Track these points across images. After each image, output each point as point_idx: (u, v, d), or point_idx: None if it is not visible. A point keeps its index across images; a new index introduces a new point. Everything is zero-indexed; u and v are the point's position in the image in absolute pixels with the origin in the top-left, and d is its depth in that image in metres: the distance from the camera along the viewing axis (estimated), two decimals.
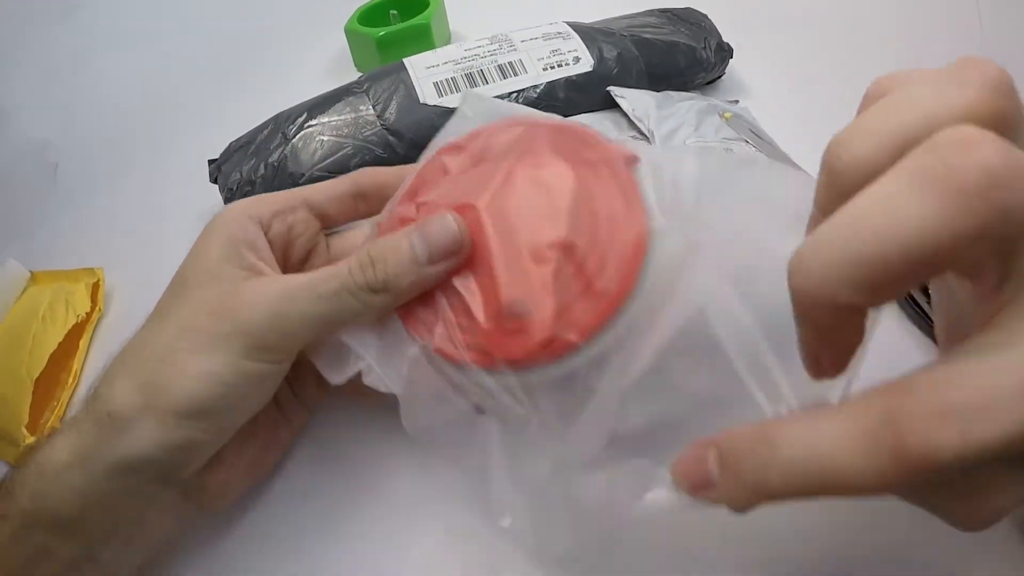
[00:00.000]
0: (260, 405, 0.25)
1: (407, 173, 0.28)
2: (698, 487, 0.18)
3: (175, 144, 0.50)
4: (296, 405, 0.30)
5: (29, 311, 0.37)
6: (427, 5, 0.51)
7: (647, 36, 0.44)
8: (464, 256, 0.24)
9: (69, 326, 0.36)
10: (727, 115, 0.40)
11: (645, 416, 0.22)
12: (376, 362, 0.25)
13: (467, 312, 0.24)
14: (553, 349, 0.22)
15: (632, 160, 0.24)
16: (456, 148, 0.26)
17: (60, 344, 0.35)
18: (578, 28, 0.44)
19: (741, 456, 0.16)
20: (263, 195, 0.29)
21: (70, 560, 0.23)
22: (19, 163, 0.52)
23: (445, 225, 0.24)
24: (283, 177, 0.38)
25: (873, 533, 0.27)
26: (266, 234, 0.27)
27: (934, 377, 0.14)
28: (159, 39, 0.63)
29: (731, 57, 0.46)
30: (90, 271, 0.40)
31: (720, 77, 0.47)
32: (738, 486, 0.16)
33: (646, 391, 0.22)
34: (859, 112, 0.18)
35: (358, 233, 0.31)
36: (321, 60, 0.56)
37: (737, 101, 0.43)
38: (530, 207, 0.24)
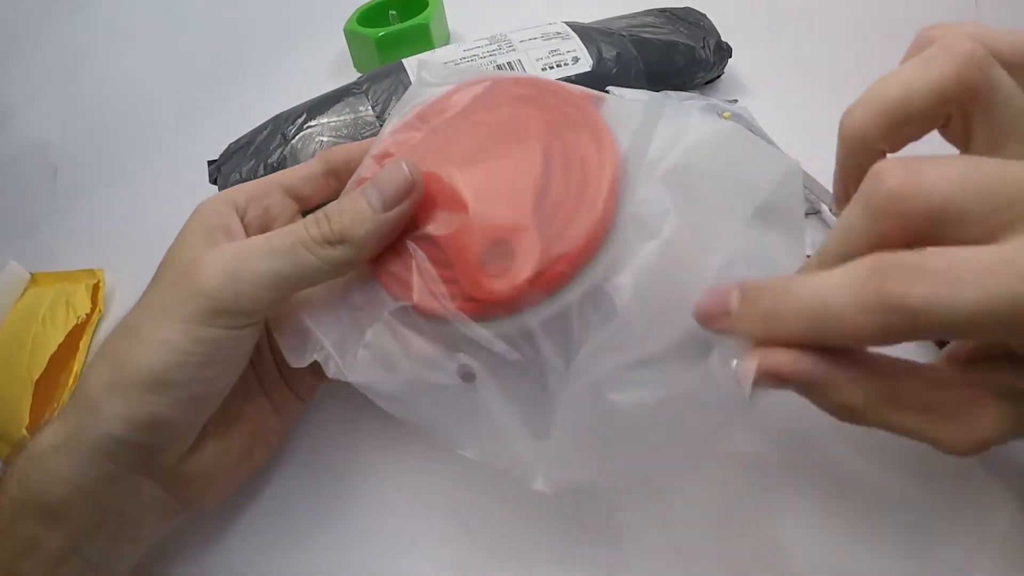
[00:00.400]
0: (228, 376, 0.25)
1: (367, 146, 0.28)
2: (716, 317, 0.19)
3: (175, 145, 0.50)
4: (287, 394, 0.29)
5: (29, 312, 0.38)
6: (426, 5, 0.51)
7: (646, 36, 0.44)
8: (418, 196, 0.24)
9: (69, 327, 0.36)
10: (726, 115, 0.40)
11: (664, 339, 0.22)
12: (335, 349, 0.25)
13: (447, 262, 0.23)
14: (544, 283, 0.22)
15: (597, 100, 0.25)
16: (421, 118, 0.27)
17: (60, 345, 0.36)
18: (577, 28, 0.44)
19: (760, 291, 0.19)
20: (240, 184, 0.29)
21: (58, 553, 0.23)
22: (19, 165, 0.52)
23: (395, 169, 0.24)
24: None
25: (873, 534, 0.27)
26: (243, 219, 0.27)
27: (920, 250, 0.17)
28: (159, 40, 0.63)
29: (730, 57, 0.46)
30: (90, 272, 0.40)
31: (719, 77, 0.47)
32: (753, 315, 0.19)
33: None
34: (903, 59, 0.23)
35: None
36: (321, 61, 0.56)
37: (736, 100, 0.43)
38: (502, 154, 0.24)
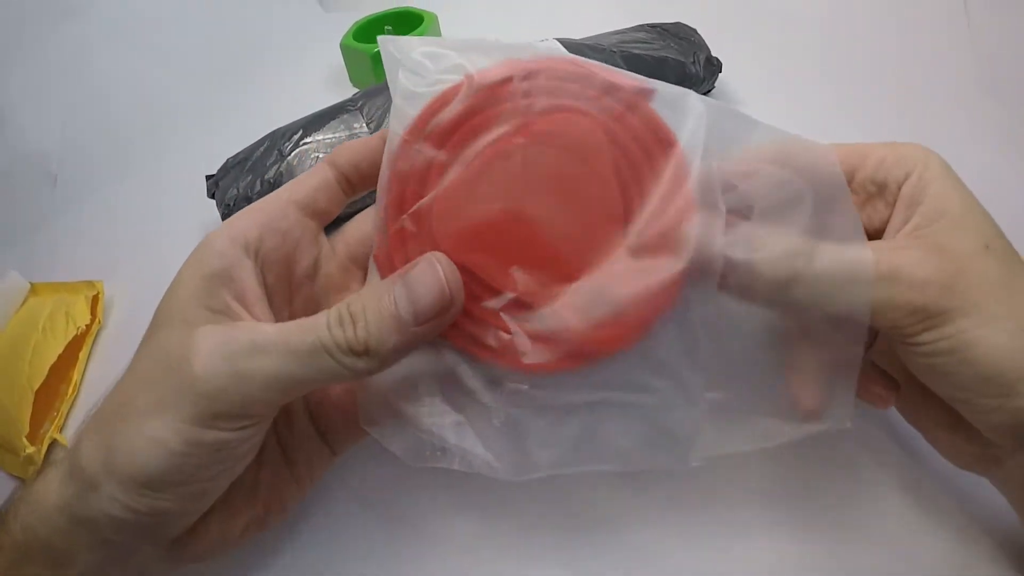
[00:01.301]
0: (234, 471, 0.23)
1: (377, 146, 0.25)
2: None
3: (174, 156, 0.51)
4: (319, 454, 0.27)
5: (29, 322, 0.38)
6: (421, 21, 0.52)
7: (637, 52, 0.45)
8: (456, 312, 0.22)
9: (69, 337, 0.37)
10: None
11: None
12: (472, 443, 0.23)
13: (532, 316, 0.22)
14: (655, 314, 0.22)
15: (649, 94, 0.23)
16: (420, 131, 0.23)
17: (60, 355, 0.36)
18: (569, 45, 0.45)
19: None
20: (248, 208, 0.25)
21: None
22: (19, 173, 0.53)
23: (432, 278, 0.21)
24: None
25: (872, 536, 0.27)
26: (258, 253, 0.24)
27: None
28: (158, 52, 0.63)
29: (720, 71, 0.47)
30: (90, 284, 0.40)
31: (710, 91, 0.47)
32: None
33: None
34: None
35: (362, 223, 0.28)
36: (318, 75, 0.56)
37: None
38: (572, 185, 0.22)
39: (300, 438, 0.26)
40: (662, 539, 0.27)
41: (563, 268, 0.22)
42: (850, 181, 0.24)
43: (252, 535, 0.25)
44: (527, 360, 0.22)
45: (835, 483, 0.28)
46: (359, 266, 0.28)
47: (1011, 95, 0.45)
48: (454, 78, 0.23)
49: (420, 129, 0.23)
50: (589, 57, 0.37)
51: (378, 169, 0.24)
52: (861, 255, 0.21)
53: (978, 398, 0.21)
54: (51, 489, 0.22)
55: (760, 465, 0.29)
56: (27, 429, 0.33)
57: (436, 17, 0.54)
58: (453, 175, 0.23)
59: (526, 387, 0.23)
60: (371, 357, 0.21)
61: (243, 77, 0.58)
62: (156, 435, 0.20)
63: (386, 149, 0.24)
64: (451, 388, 0.24)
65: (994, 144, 0.41)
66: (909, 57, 0.49)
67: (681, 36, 0.47)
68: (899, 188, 0.23)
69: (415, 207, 0.23)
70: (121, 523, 0.21)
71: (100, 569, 0.22)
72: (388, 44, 0.25)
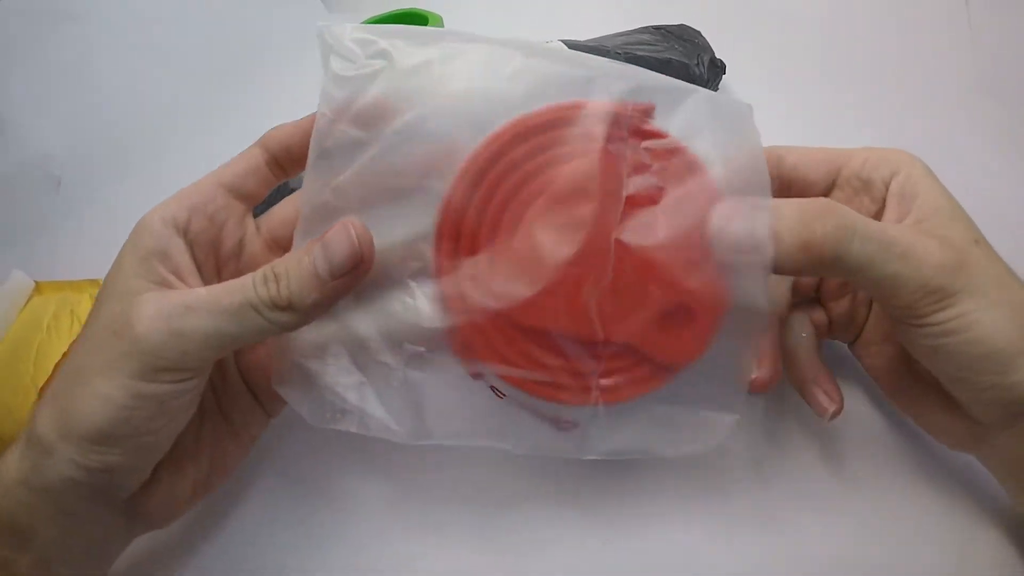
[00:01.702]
0: (177, 423, 0.25)
1: (308, 127, 0.26)
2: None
3: (176, 156, 0.51)
4: (253, 413, 0.29)
5: (33, 321, 0.38)
6: (426, 22, 0.52)
7: (640, 54, 0.45)
8: (366, 270, 0.24)
9: (73, 336, 0.37)
10: None
11: None
12: (373, 404, 0.25)
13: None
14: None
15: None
16: (344, 113, 0.25)
17: (64, 354, 0.36)
18: (573, 46, 0.45)
19: None
20: (181, 191, 0.27)
21: (29, 572, 0.23)
22: (23, 175, 0.53)
23: (344, 236, 0.23)
24: (284, 191, 0.39)
25: (872, 536, 0.27)
26: (186, 234, 0.26)
27: None
28: (160, 53, 0.63)
29: (724, 73, 0.47)
30: (93, 282, 0.40)
31: None
32: None
33: None
34: None
35: (287, 207, 0.30)
36: (320, 75, 0.56)
37: None
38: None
39: (235, 396, 0.29)
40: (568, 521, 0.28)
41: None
42: (835, 178, 0.27)
43: (201, 498, 0.28)
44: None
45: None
46: (282, 247, 0.29)
47: (1012, 96, 0.45)
48: (379, 63, 0.25)
49: (343, 111, 0.25)
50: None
51: (307, 151, 0.26)
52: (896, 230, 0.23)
53: (976, 376, 0.23)
54: (11, 465, 0.23)
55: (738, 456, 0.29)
56: None
57: (441, 18, 0.54)
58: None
59: (423, 350, 0.25)
60: (293, 311, 0.23)
61: (244, 77, 0.58)
62: (104, 392, 0.22)
63: (314, 130, 0.25)
64: (357, 350, 0.25)
65: (994, 144, 0.42)
66: (910, 58, 0.49)
67: (685, 38, 0.47)
68: (885, 185, 0.25)
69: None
70: (76, 484, 0.23)
71: (62, 542, 0.24)
72: (324, 32, 0.26)
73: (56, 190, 0.51)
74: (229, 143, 0.43)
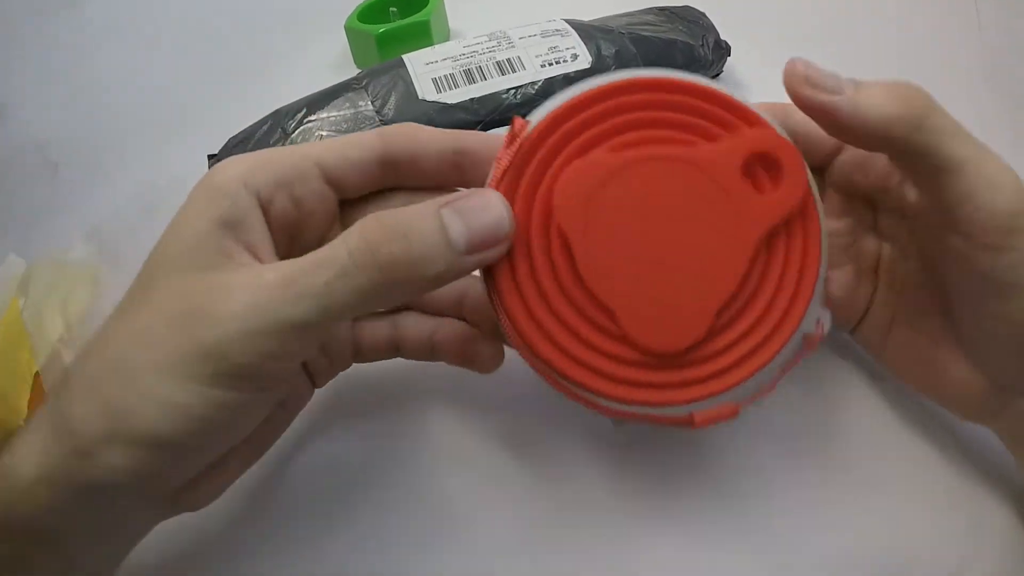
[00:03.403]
0: (248, 430, 0.22)
1: (466, 142, 0.23)
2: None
3: (175, 139, 0.50)
4: (301, 386, 0.26)
5: (29, 306, 0.37)
6: (426, 2, 0.51)
7: (645, 34, 0.44)
8: (506, 247, 0.20)
9: (66, 321, 0.36)
10: None
11: None
12: None
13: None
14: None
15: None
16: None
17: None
18: (576, 26, 0.44)
19: None
20: (265, 154, 0.22)
21: (50, 566, 0.20)
22: (19, 160, 0.52)
23: (488, 204, 0.20)
24: None
25: (873, 536, 0.27)
26: (267, 212, 0.22)
27: None
28: (159, 35, 0.63)
29: (729, 55, 0.46)
30: (89, 267, 0.40)
31: (718, 75, 0.47)
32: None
33: None
34: None
35: (382, 207, 0.25)
36: (321, 57, 0.56)
37: None
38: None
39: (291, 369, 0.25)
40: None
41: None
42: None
43: (240, 474, 0.24)
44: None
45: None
46: None
47: (1020, 92, 0.44)
48: None
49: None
50: (598, 38, 0.36)
51: (438, 166, 0.23)
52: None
53: None
54: (26, 459, 0.19)
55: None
56: (25, 414, 0.33)
57: None
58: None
59: None
60: (406, 284, 0.19)
61: (245, 61, 0.57)
62: (167, 396, 0.18)
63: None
64: None
65: (1002, 140, 0.41)
66: (918, 47, 0.48)
67: (690, 19, 0.47)
68: None
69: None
70: (123, 487, 0.19)
71: (93, 539, 0.21)
72: None
73: (54, 176, 0.50)
74: (229, 125, 0.43)
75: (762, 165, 0.22)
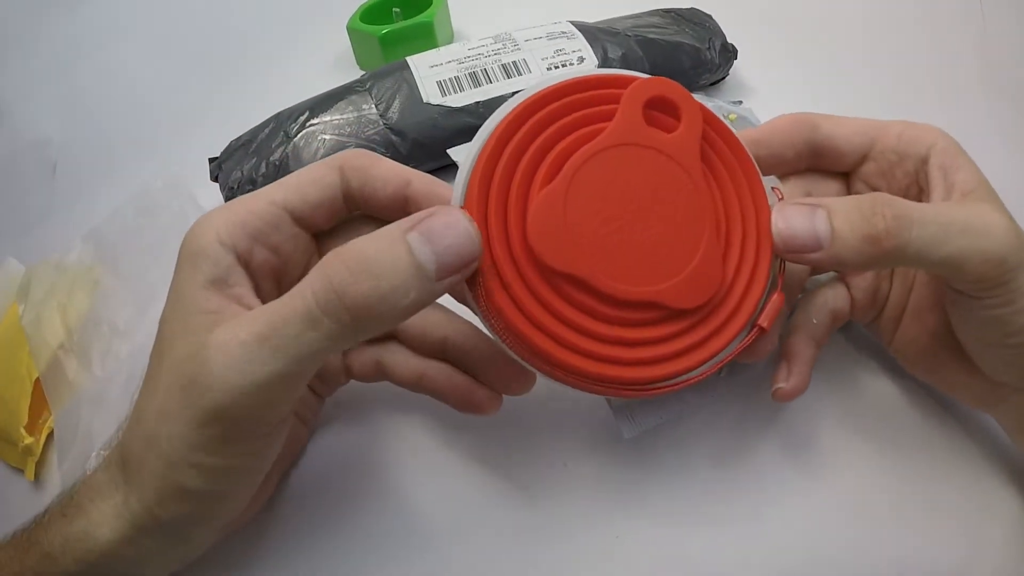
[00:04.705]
0: (275, 455, 0.23)
1: (413, 183, 0.24)
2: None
3: (176, 141, 0.49)
4: (312, 401, 0.28)
5: (27, 309, 0.37)
6: (430, 3, 0.51)
7: (651, 36, 0.44)
8: (475, 266, 0.20)
9: (65, 325, 0.36)
10: (732, 116, 0.40)
11: None
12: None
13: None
14: None
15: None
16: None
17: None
18: (582, 28, 0.44)
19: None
20: (236, 208, 0.22)
21: None
22: (18, 161, 0.52)
23: (454, 223, 0.20)
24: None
25: (875, 535, 0.26)
26: (248, 265, 0.22)
27: None
28: (160, 36, 0.62)
29: (735, 58, 0.46)
30: (89, 270, 0.39)
31: (724, 78, 0.46)
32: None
33: None
34: None
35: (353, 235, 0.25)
36: (323, 58, 0.55)
37: (741, 102, 0.43)
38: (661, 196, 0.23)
39: (305, 397, 0.28)
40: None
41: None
42: (869, 150, 0.27)
43: (278, 482, 0.28)
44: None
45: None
46: None
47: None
48: None
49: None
50: (604, 40, 0.36)
51: (392, 201, 0.24)
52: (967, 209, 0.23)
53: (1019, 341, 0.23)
54: (106, 524, 0.21)
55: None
56: (26, 419, 0.33)
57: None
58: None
59: None
60: (378, 320, 0.19)
61: (247, 61, 0.57)
62: (204, 463, 0.20)
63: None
64: None
65: (1007, 143, 0.41)
66: (924, 51, 0.48)
67: (696, 22, 0.46)
68: (920, 160, 0.25)
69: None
70: (185, 522, 0.22)
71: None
72: None
73: (52, 175, 0.50)
74: (231, 127, 0.42)
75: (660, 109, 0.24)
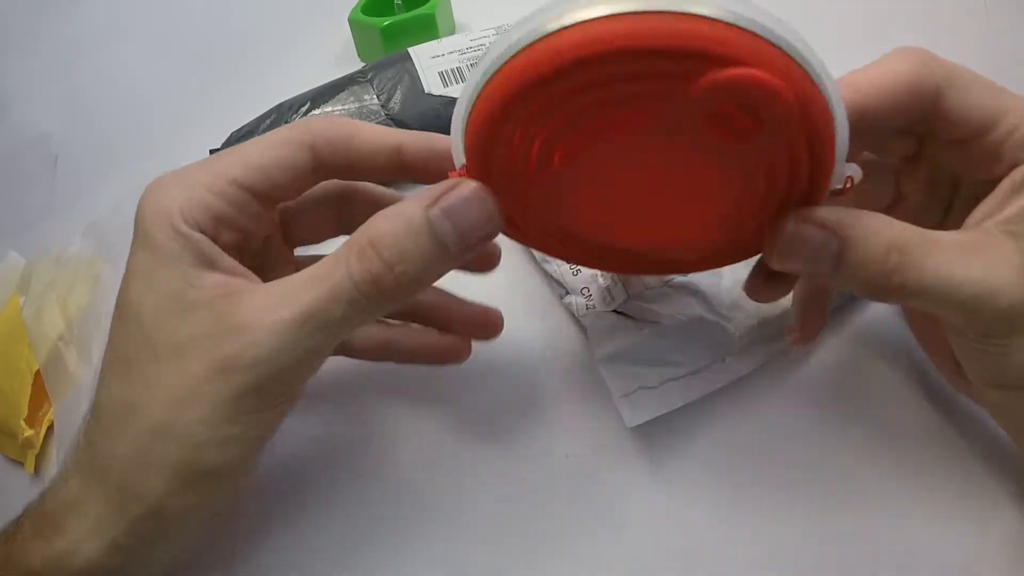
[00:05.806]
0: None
1: (406, 143, 0.22)
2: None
3: (177, 133, 0.49)
4: None
5: (28, 302, 0.37)
6: None
7: None
8: (495, 236, 0.20)
9: (66, 318, 0.36)
10: None
11: None
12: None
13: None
14: None
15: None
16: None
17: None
18: None
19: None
20: (191, 185, 0.21)
21: None
22: (19, 155, 0.52)
23: (473, 196, 0.19)
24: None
25: (877, 535, 0.26)
26: (216, 242, 0.22)
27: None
28: (161, 29, 0.62)
29: None
30: (90, 263, 0.39)
31: None
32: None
33: None
34: None
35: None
36: (325, 50, 0.55)
37: None
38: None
39: None
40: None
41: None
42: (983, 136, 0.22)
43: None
44: None
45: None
46: None
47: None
48: None
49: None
50: None
51: (382, 169, 0.23)
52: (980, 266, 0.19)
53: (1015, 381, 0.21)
54: (91, 538, 0.21)
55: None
56: (26, 412, 0.32)
57: None
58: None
59: None
60: (399, 293, 0.20)
61: (248, 53, 0.57)
62: (229, 434, 0.20)
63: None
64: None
65: None
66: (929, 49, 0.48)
67: None
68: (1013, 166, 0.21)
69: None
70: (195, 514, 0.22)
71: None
72: None
73: (53, 169, 0.50)
74: (232, 118, 0.42)
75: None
